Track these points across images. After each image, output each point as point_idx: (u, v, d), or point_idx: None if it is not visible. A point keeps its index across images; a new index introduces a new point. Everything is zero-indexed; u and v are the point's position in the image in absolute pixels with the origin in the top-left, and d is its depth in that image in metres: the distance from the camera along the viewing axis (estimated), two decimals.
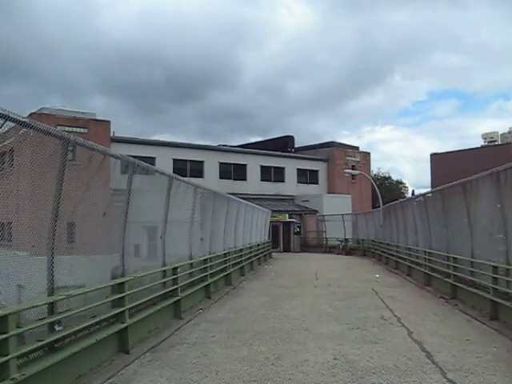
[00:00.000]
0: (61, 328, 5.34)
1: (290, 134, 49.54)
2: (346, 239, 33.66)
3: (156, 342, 7.63)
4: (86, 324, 5.89)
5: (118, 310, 6.79)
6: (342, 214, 35.13)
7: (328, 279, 16.41)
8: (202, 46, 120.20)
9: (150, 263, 8.78)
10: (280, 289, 14.18)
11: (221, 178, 37.99)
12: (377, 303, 11.23)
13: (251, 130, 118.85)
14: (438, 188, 12.85)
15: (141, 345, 7.36)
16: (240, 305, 11.34)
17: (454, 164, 46.85)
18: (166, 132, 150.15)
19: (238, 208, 17.57)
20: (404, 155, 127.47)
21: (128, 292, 7.07)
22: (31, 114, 27.77)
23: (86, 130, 31.19)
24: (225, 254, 14.56)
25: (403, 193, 63.19)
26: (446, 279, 11.94)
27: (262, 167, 41.06)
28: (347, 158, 45.02)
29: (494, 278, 8.74)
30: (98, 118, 33.83)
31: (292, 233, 38.57)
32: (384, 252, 22.75)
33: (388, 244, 21.82)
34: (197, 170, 36.70)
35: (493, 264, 8.82)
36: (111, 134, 34.04)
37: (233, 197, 16.99)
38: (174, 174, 9.44)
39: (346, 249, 32.62)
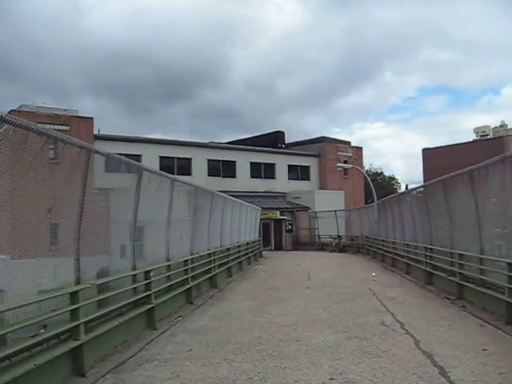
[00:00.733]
0: None
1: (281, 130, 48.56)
2: (340, 236, 32.61)
3: (122, 359, 6.49)
4: (24, 345, 4.74)
5: (71, 325, 5.65)
6: (335, 211, 34.06)
7: (321, 279, 15.33)
8: (190, 44, 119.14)
9: (118, 267, 7.60)
10: (270, 291, 13.08)
11: (209, 175, 36.88)
12: (376, 306, 10.16)
13: (242, 128, 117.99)
14: (440, 178, 11.79)
15: (102, 364, 6.21)
16: (224, 310, 10.22)
17: (446, 159, 45.78)
18: (157, 131, 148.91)
19: (224, 204, 16.41)
20: (395, 151, 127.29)
21: (84, 303, 5.93)
22: (10, 112, 26.59)
23: (67, 128, 30.15)
24: (209, 254, 13.40)
25: (395, 189, 62.31)
26: (451, 278, 10.90)
27: (251, 164, 39.93)
28: (339, 153, 43.91)
29: (510, 276, 7.66)
30: (80, 115, 32.75)
31: (283, 230, 37.51)
32: (379, 249, 21.71)
33: (384, 240, 20.78)
34: (184, 167, 35.61)
35: (509, 261, 7.75)
36: (96, 132, 32.94)
37: (218, 192, 15.83)
38: (145, 165, 8.28)
39: (340, 246, 31.57)
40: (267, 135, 47.72)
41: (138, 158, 30.10)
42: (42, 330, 5.18)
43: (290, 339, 7.40)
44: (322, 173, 43.27)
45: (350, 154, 44.68)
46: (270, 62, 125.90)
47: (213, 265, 13.52)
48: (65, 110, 32.73)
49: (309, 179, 43.20)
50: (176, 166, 34.86)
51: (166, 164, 32.91)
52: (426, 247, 13.25)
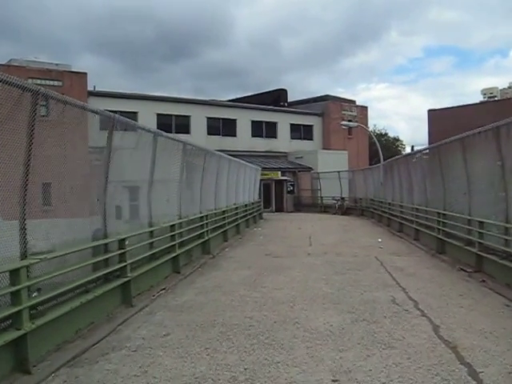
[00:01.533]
0: None
1: (283, 88, 46.68)
2: (343, 198, 31.42)
3: (83, 347, 5.40)
4: None
5: (12, 310, 4.54)
6: (338, 171, 32.72)
7: (323, 245, 14.24)
8: (193, 0, 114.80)
9: (82, 236, 6.43)
10: (267, 258, 12.01)
11: (209, 133, 35.47)
12: (384, 278, 9.07)
13: (245, 87, 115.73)
14: (458, 136, 10.49)
15: (57, 355, 5.13)
16: (214, 281, 9.14)
17: (452, 121, 44.06)
18: (158, 91, 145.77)
19: (220, 164, 15.14)
20: (399, 113, 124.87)
21: (32, 282, 4.81)
22: None
23: (60, 83, 28.71)
24: (201, 217, 12.25)
25: (400, 150, 60.79)
26: (468, 247, 9.77)
27: (252, 122, 38.38)
28: (343, 112, 42.20)
29: None
30: (73, 69, 31.10)
31: (285, 192, 36.31)
32: (385, 212, 20.54)
33: (390, 203, 19.59)
34: (183, 125, 34.20)
35: None
36: (92, 89, 31.36)
37: (212, 150, 14.54)
38: (117, 115, 7.00)
39: (343, 208, 30.45)
40: (269, 93, 45.87)
41: (133, 115, 28.83)
42: None
43: (285, 321, 6.32)
44: (326, 132, 41.73)
45: (355, 113, 42.95)
46: (273, 18, 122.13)
47: (205, 229, 12.39)
48: (57, 64, 31.01)
49: (312, 139, 41.70)
50: (174, 124, 33.48)
51: (164, 122, 31.61)
52: (438, 212, 12.06)
